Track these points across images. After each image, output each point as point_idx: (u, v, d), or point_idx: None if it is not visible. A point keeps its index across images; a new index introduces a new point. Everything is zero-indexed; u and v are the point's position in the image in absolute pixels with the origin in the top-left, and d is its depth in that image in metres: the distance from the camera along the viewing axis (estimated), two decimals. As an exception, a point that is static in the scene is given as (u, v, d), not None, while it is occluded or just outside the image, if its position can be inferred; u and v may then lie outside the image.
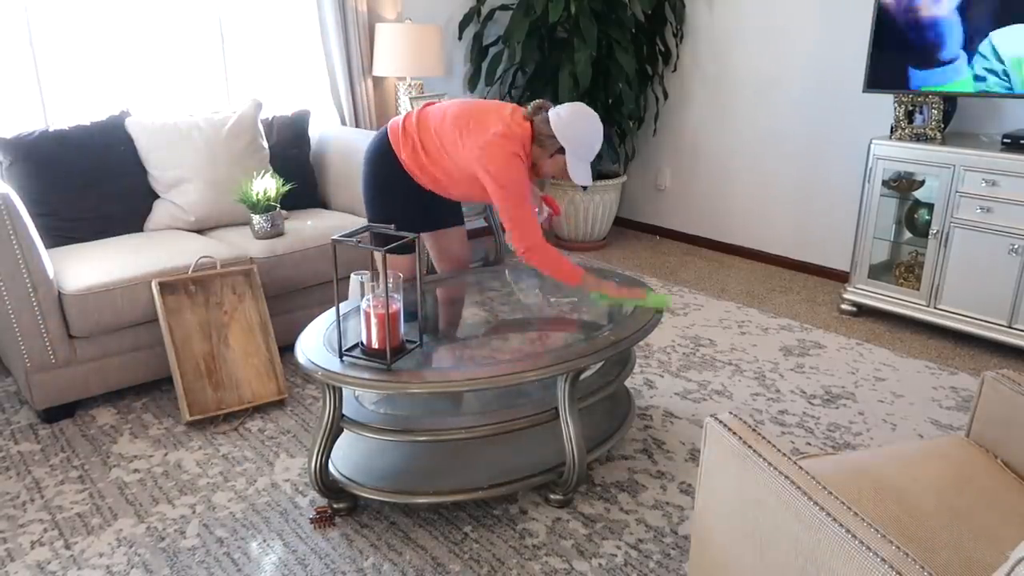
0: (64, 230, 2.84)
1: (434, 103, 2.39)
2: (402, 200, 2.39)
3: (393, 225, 2.04)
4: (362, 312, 1.87)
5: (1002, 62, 2.83)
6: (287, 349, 2.85)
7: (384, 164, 2.36)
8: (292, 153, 3.40)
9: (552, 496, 2.06)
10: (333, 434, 1.95)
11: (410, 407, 2.09)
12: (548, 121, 2.19)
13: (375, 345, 1.87)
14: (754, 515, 1.20)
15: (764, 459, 1.18)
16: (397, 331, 1.89)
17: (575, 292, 2.38)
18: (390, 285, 1.85)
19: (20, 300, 2.36)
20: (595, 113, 2.23)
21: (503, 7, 4.24)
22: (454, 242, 2.62)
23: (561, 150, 2.22)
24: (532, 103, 2.27)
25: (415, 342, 1.98)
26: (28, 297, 2.36)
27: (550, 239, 4.67)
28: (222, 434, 2.46)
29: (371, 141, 2.43)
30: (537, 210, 2.55)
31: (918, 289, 3.18)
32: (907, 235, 3.36)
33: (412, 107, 3.78)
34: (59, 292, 2.43)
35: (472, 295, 2.46)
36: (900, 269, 3.37)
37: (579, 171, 2.24)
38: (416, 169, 2.33)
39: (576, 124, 2.19)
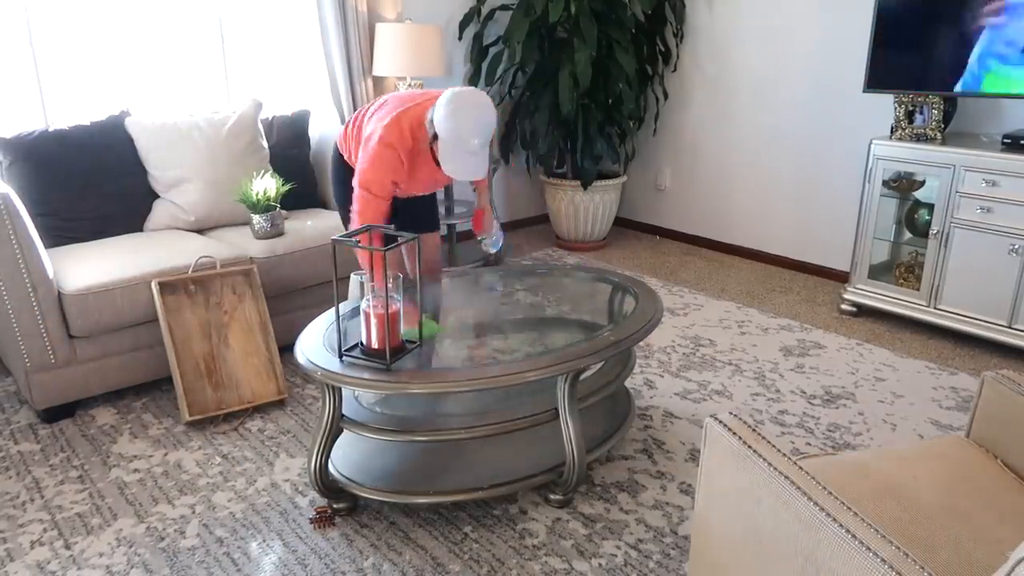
0: (64, 230, 2.84)
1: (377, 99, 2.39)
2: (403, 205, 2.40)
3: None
4: (362, 312, 1.87)
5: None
6: (287, 349, 2.85)
7: (338, 169, 2.43)
8: (292, 153, 3.40)
9: (552, 496, 2.06)
10: (333, 434, 1.95)
11: (410, 407, 2.09)
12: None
13: (375, 345, 1.87)
14: (754, 515, 1.20)
15: (764, 459, 1.18)
16: (396, 331, 1.89)
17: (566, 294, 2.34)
18: (390, 285, 1.85)
19: (20, 300, 2.36)
20: (483, 103, 2.06)
21: (503, 7, 4.24)
22: (426, 247, 2.62)
23: (435, 137, 2.12)
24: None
25: (415, 342, 1.98)
26: (28, 297, 2.36)
27: (550, 239, 4.67)
28: (222, 434, 2.46)
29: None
30: (481, 239, 2.54)
31: (918, 289, 3.18)
32: (907, 235, 3.36)
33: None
34: (59, 292, 2.43)
35: (472, 295, 2.46)
36: (900, 269, 3.36)
37: (451, 162, 2.08)
38: None
39: (449, 109, 2.04)
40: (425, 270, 2.64)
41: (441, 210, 4.04)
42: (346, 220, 2.44)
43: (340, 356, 1.89)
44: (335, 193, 2.52)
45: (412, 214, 2.52)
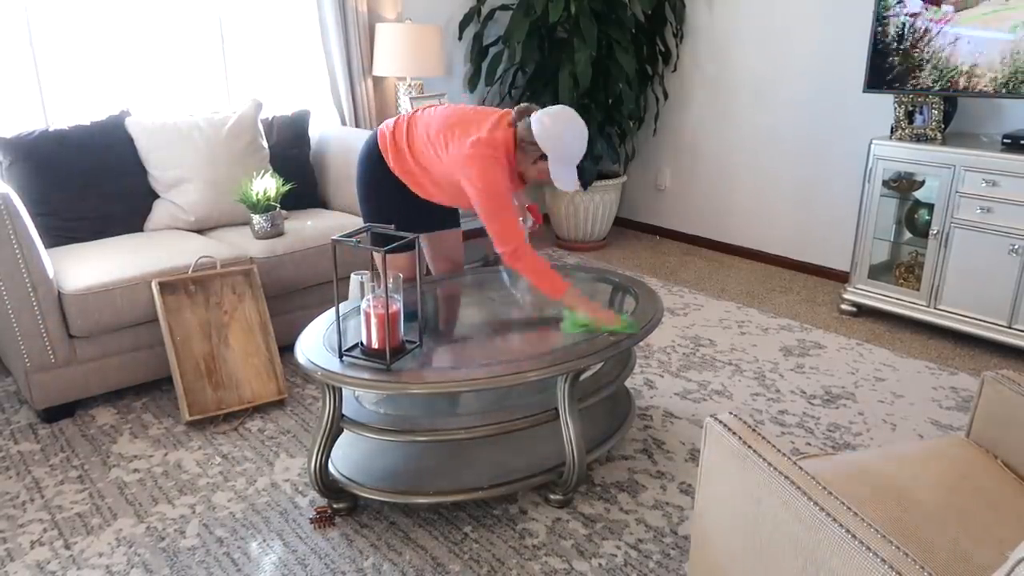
0: (64, 230, 2.84)
1: (430, 107, 2.39)
2: (394, 202, 2.40)
3: (393, 225, 2.04)
4: (362, 312, 1.87)
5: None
6: (287, 349, 2.84)
7: (374, 168, 2.40)
8: (292, 153, 3.40)
9: (552, 496, 2.06)
10: (333, 434, 1.95)
11: (410, 407, 2.09)
12: (530, 127, 2.17)
13: (375, 345, 1.87)
14: (754, 515, 1.20)
15: (764, 459, 1.18)
16: (397, 331, 1.89)
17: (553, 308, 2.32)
18: (390, 285, 1.85)
19: (20, 300, 2.36)
20: (579, 118, 2.21)
21: (503, 7, 4.24)
22: (449, 245, 2.63)
23: (544, 156, 2.20)
24: (517, 107, 2.25)
25: (415, 342, 1.98)
26: (28, 297, 2.36)
27: (551, 239, 4.67)
28: (222, 434, 2.46)
29: (364, 143, 2.46)
30: (521, 219, 2.54)
31: (918, 289, 3.18)
32: (907, 235, 3.36)
33: (411, 107, 3.78)
34: (59, 292, 2.43)
35: (472, 295, 2.46)
36: (900, 269, 3.36)
37: (562, 177, 2.22)
38: (403, 174, 2.35)
39: (557, 129, 2.15)
40: (447, 268, 2.67)
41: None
42: (366, 217, 2.47)
43: (340, 356, 1.89)
44: (365, 194, 2.46)
45: (436, 213, 2.52)
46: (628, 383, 2.75)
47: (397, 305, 1.88)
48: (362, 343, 1.92)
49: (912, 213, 3.31)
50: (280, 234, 2.94)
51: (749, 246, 4.32)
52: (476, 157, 2.14)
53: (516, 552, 1.89)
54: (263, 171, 3.13)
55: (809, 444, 2.38)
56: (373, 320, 1.85)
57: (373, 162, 2.40)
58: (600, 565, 1.84)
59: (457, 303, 2.42)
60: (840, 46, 3.66)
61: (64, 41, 3.08)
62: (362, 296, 2.40)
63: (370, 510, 2.05)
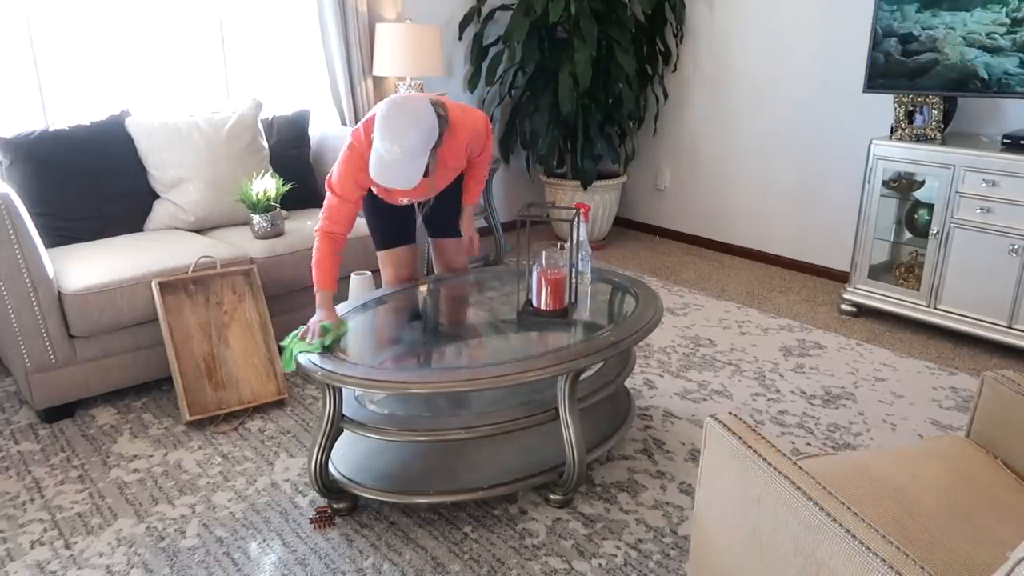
0: (64, 230, 2.84)
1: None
2: (380, 210, 2.45)
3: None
4: (535, 277, 2.15)
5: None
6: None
7: None
8: (292, 153, 3.40)
9: (552, 496, 2.06)
10: (333, 434, 1.95)
11: (411, 407, 2.09)
12: None
13: (546, 306, 2.16)
14: (754, 515, 1.20)
15: (764, 459, 1.18)
16: (564, 293, 2.18)
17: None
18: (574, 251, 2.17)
19: (20, 300, 2.36)
20: (419, 107, 1.98)
21: (503, 7, 4.24)
22: (448, 252, 2.63)
23: None
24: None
25: (574, 303, 2.26)
26: (28, 297, 2.36)
27: (551, 240, 4.67)
28: (222, 434, 2.46)
29: None
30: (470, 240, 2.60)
31: (918, 289, 3.18)
32: (907, 235, 3.36)
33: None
34: (59, 292, 2.43)
35: (472, 295, 2.46)
36: (900, 269, 3.36)
37: (373, 167, 1.99)
38: None
39: (381, 114, 1.98)
40: (454, 272, 2.67)
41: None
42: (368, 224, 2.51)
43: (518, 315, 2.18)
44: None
45: (439, 220, 2.55)
46: (628, 383, 2.75)
47: (564, 272, 2.15)
48: (531, 303, 2.19)
49: (912, 213, 3.31)
50: (280, 234, 2.94)
51: (749, 246, 4.32)
52: (350, 133, 2.16)
53: (516, 552, 1.89)
54: (263, 171, 3.13)
55: (809, 444, 2.38)
56: (545, 284, 2.14)
57: None
58: (600, 565, 1.84)
59: (460, 303, 2.43)
60: (840, 46, 3.66)
61: (64, 41, 3.08)
62: (362, 296, 2.40)
63: (370, 510, 2.05)
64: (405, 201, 2.38)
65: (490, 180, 4.02)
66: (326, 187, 2.20)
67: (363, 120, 2.17)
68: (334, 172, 2.18)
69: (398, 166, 1.97)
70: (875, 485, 1.36)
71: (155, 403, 2.67)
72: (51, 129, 2.84)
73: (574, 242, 2.19)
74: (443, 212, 2.53)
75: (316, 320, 2.05)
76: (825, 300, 3.67)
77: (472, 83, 4.35)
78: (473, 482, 2.00)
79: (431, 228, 2.59)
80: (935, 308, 3.12)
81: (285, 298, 2.93)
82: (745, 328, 3.32)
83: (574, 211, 2.19)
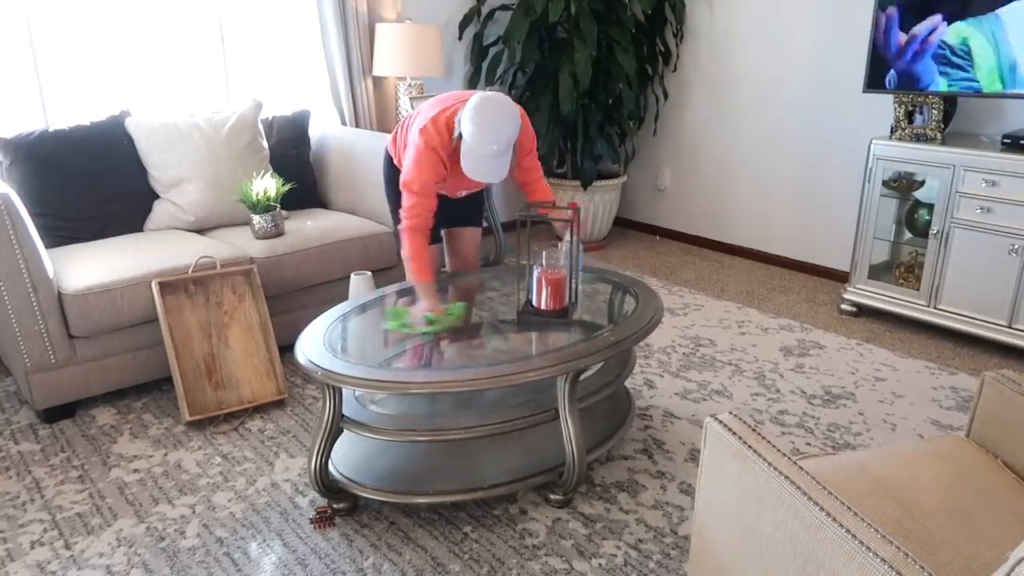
0: (64, 230, 2.84)
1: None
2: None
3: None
4: (535, 278, 2.16)
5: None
6: (287, 349, 2.85)
7: (388, 167, 2.56)
8: (292, 153, 3.40)
9: (552, 496, 2.06)
10: (333, 434, 1.95)
11: (411, 407, 2.09)
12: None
13: (546, 306, 2.16)
14: (754, 515, 1.20)
15: (764, 459, 1.18)
16: (565, 293, 2.18)
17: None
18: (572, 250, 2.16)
19: (20, 300, 2.36)
20: (505, 110, 2.12)
21: (503, 7, 4.24)
22: (465, 242, 2.67)
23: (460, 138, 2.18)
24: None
25: (574, 303, 2.25)
26: (28, 297, 2.36)
27: (551, 240, 4.68)
28: (222, 434, 2.46)
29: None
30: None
31: (918, 289, 3.18)
32: (907, 235, 3.36)
33: (412, 107, 3.78)
34: (59, 292, 2.43)
35: (476, 296, 2.46)
36: (900, 269, 3.36)
37: (467, 164, 2.13)
38: None
39: (469, 115, 2.10)
40: (461, 265, 2.71)
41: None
42: (394, 216, 2.53)
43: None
44: (386, 191, 2.63)
45: (455, 210, 2.59)
46: (628, 383, 2.75)
47: (564, 272, 2.15)
48: (531, 303, 2.18)
49: (912, 213, 3.31)
50: (280, 234, 2.94)
51: (749, 246, 4.32)
52: (414, 144, 2.23)
53: (516, 552, 1.89)
54: (263, 171, 3.13)
55: (809, 444, 2.38)
56: (545, 284, 2.14)
57: (386, 161, 2.55)
58: (600, 565, 1.84)
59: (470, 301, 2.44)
60: (840, 46, 3.66)
61: (64, 41, 3.08)
62: (362, 296, 2.40)
63: (370, 510, 2.05)
64: (463, 193, 2.48)
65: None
66: (402, 189, 2.26)
67: (422, 118, 2.24)
68: (410, 173, 2.23)
69: (494, 161, 2.13)
70: (875, 485, 1.36)
71: (155, 403, 2.67)
72: (51, 129, 2.84)
73: (573, 242, 2.19)
74: (467, 202, 2.60)
75: (420, 310, 2.15)
76: (825, 300, 3.67)
77: (472, 83, 4.35)
78: (473, 482, 2.00)
79: (449, 219, 2.61)
80: (935, 308, 3.12)
81: (285, 298, 2.93)
82: (745, 328, 3.32)
83: (572, 211, 2.19)
